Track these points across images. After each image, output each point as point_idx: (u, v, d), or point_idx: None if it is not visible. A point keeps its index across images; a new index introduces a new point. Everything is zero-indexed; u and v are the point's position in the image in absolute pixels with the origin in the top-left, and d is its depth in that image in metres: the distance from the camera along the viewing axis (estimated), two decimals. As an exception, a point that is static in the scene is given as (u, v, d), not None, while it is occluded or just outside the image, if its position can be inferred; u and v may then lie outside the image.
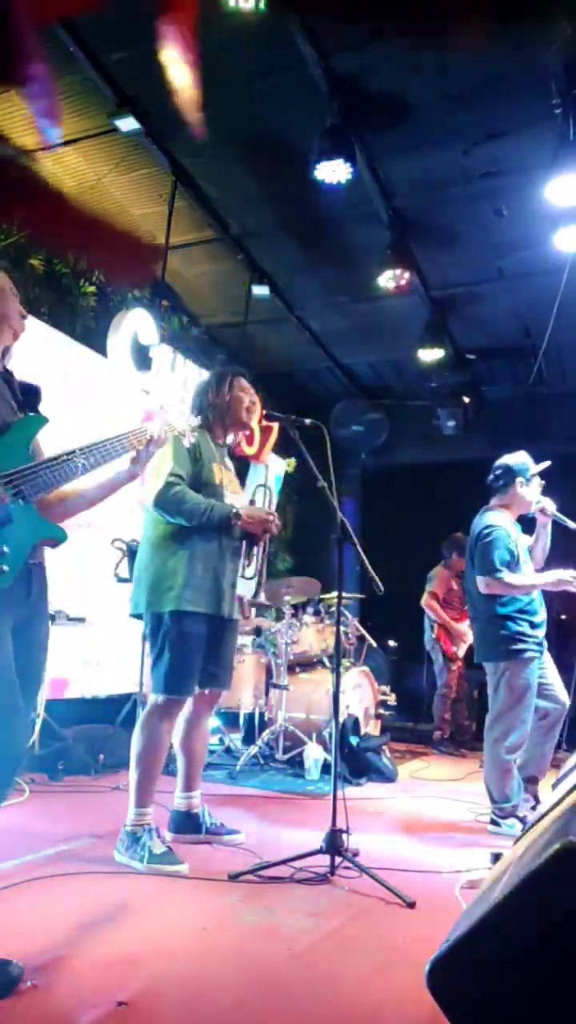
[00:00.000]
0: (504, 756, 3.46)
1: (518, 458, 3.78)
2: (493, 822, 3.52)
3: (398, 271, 5.01)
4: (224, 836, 3.02)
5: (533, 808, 3.50)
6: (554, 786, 2.82)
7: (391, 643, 6.72)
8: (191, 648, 2.75)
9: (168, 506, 2.74)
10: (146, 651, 4.49)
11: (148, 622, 2.82)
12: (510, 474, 3.74)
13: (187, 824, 3.02)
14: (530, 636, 3.60)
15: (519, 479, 3.73)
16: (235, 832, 3.05)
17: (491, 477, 3.80)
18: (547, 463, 3.77)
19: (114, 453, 1.98)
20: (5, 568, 1.72)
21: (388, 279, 5.06)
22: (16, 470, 1.76)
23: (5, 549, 1.73)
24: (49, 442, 1.98)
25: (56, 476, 1.83)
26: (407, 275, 5.04)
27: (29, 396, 1.97)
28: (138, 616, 2.89)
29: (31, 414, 1.91)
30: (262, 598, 3.19)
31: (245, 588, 3.09)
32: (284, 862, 2.61)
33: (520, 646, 3.56)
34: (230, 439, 3.13)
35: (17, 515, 1.75)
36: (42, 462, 1.82)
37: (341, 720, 3.00)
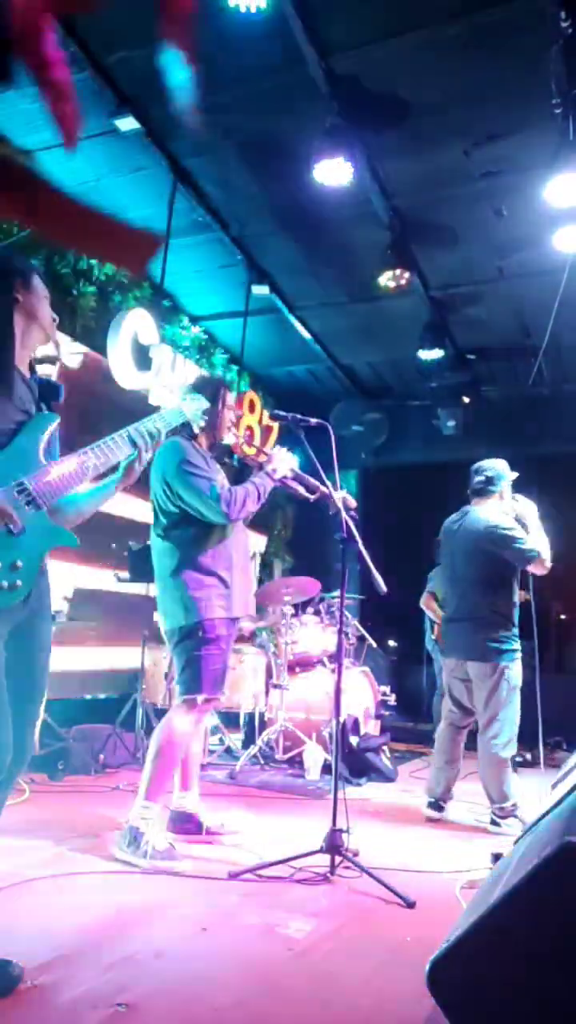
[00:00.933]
0: (502, 755, 3.51)
1: (501, 465, 3.93)
2: (493, 822, 3.55)
3: (398, 271, 5.01)
4: (223, 836, 3.04)
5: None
6: (554, 786, 2.82)
7: (391, 643, 6.72)
8: (224, 650, 2.90)
9: (234, 506, 2.82)
10: (146, 651, 4.52)
11: (181, 633, 2.86)
12: (497, 480, 3.88)
13: (186, 824, 3.04)
14: (516, 637, 3.76)
15: (505, 483, 3.90)
16: (235, 832, 3.08)
17: (478, 480, 3.91)
18: (517, 473, 3.98)
19: (120, 449, 1.94)
20: (19, 583, 1.67)
21: (388, 279, 5.06)
22: (28, 477, 1.71)
23: (19, 563, 1.67)
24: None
25: (67, 479, 1.77)
26: (407, 275, 5.04)
27: (47, 395, 1.90)
28: (174, 630, 2.89)
29: (42, 412, 1.85)
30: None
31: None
32: (284, 862, 2.61)
33: (515, 645, 3.70)
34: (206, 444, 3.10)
35: (30, 524, 1.69)
36: (52, 466, 1.77)
37: (341, 720, 3.00)
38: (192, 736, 2.96)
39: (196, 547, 2.88)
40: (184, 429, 2.90)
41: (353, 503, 2.97)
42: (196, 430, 2.91)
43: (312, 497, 3.02)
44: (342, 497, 2.94)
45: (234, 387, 6.64)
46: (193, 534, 2.89)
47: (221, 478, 2.98)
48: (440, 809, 3.70)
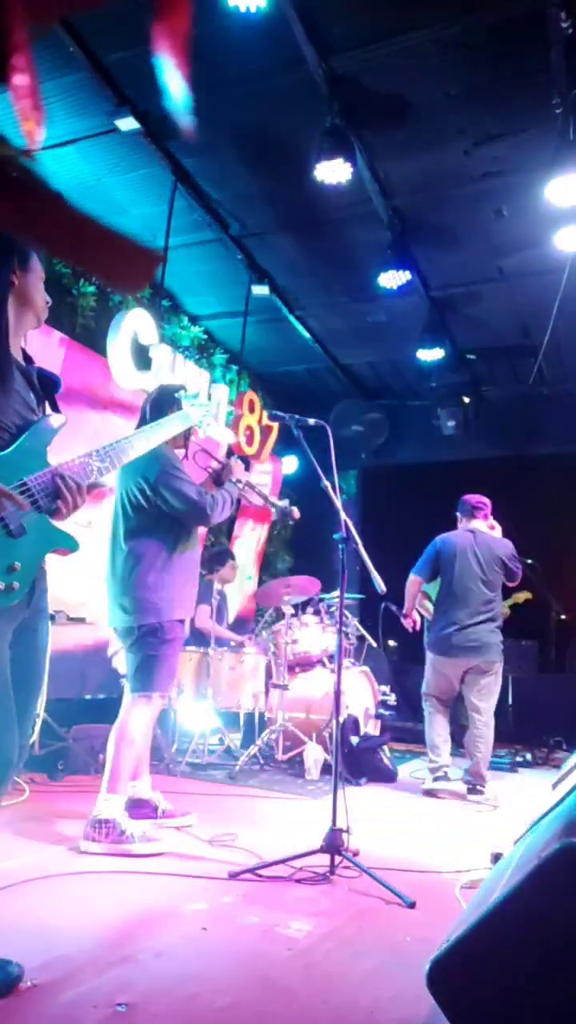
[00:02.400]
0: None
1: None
2: (477, 790, 4.28)
3: (398, 271, 5.01)
4: (177, 818, 3.17)
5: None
6: (554, 786, 2.82)
7: (391, 643, 6.72)
8: (177, 651, 3.07)
9: (215, 511, 2.97)
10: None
11: (139, 632, 2.96)
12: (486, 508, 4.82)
13: (143, 808, 3.14)
14: None
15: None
16: (187, 813, 3.21)
17: (472, 506, 4.79)
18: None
19: (127, 454, 1.94)
20: (16, 585, 1.66)
21: (388, 279, 5.06)
22: (32, 477, 1.69)
23: (17, 565, 1.66)
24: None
25: (71, 481, 1.75)
26: (407, 275, 5.04)
27: (47, 387, 1.87)
28: (132, 628, 2.98)
29: (50, 414, 1.82)
30: None
31: None
32: (284, 861, 2.61)
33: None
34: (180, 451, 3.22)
35: (31, 526, 1.68)
36: (57, 468, 1.74)
37: (341, 720, 3.01)
38: (151, 730, 3.09)
39: (164, 549, 2.99)
40: None
41: (296, 515, 3.24)
42: (201, 434, 2.95)
43: (264, 507, 3.28)
44: (283, 507, 3.21)
45: (233, 387, 6.65)
46: (163, 537, 2.99)
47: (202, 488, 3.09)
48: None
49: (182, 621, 3.05)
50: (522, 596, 5.59)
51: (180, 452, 3.16)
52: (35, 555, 1.72)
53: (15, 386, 1.74)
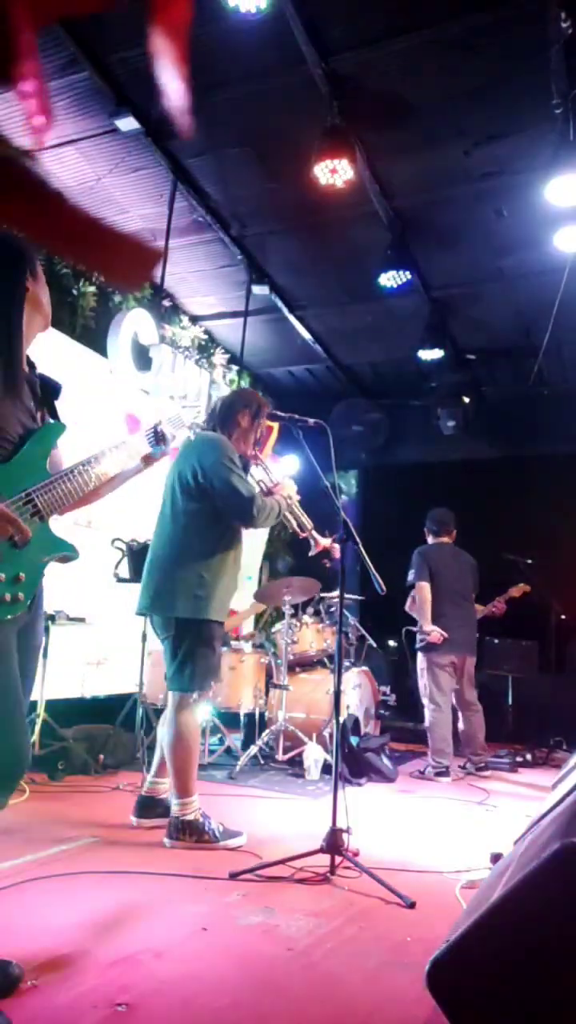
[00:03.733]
0: None
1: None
2: (481, 769, 4.89)
3: (398, 271, 5.01)
4: None
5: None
6: (554, 786, 2.82)
7: (391, 643, 6.72)
8: (216, 652, 3.05)
9: (261, 514, 2.94)
10: (147, 651, 4.52)
11: (179, 626, 2.94)
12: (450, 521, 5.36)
13: (153, 809, 3.14)
14: None
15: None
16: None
17: (434, 525, 5.29)
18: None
19: (121, 459, 1.96)
20: (21, 596, 1.66)
21: (388, 279, 5.06)
22: (34, 488, 1.70)
23: (22, 575, 1.66)
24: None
25: (71, 491, 1.77)
26: (407, 275, 5.04)
27: (47, 393, 1.88)
28: (173, 620, 2.97)
29: (50, 421, 1.83)
30: None
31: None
32: (284, 862, 2.61)
33: None
34: None
35: (34, 536, 1.68)
36: (56, 477, 1.75)
37: (341, 720, 3.02)
38: (197, 727, 3.06)
39: (213, 548, 2.98)
40: (224, 428, 3.09)
41: (337, 554, 3.08)
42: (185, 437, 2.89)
43: (301, 535, 3.19)
44: (328, 544, 3.13)
45: (233, 385, 6.65)
46: (214, 534, 2.99)
47: (256, 488, 3.08)
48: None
49: (220, 623, 3.03)
50: (519, 590, 5.59)
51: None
52: (39, 564, 1.73)
53: (23, 394, 1.75)
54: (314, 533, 3.21)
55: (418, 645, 5.09)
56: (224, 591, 3.01)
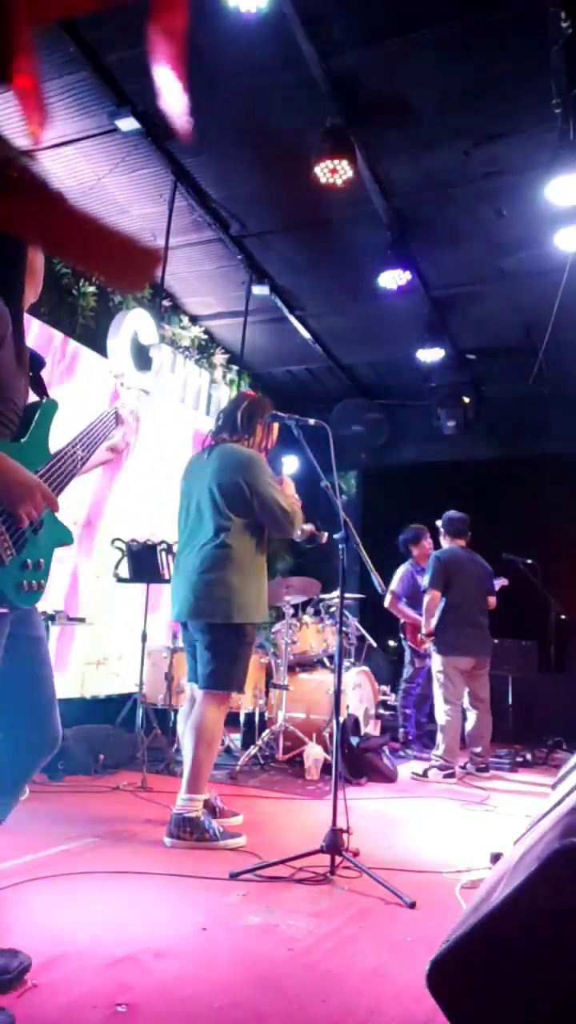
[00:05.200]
0: None
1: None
2: (483, 769, 4.94)
3: (398, 271, 5.01)
4: (228, 819, 3.23)
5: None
6: (554, 786, 2.82)
7: (391, 643, 6.72)
8: (250, 654, 3.20)
9: (296, 525, 3.14)
10: (147, 651, 4.52)
11: (220, 631, 3.05)
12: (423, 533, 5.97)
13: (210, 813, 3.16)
14: None
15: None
16: (236, 814, 3.30)
17: (451, 527, 5.35)
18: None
19: (103, 435, 1.94)
20: (42, 582, 1.66)
21: (388, 279, 5.06)
22: (42, 472, 1.69)
23: (41, 562, 1.65)
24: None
25: (67, 474, 1.77)
26: (407, 275, 5.04)
27: (32, 366, 1.84)
28: (214, 625, 3.06)
29: (45, 400, 1.80)
30: None
31: None
32: (284, 862, 2.62)
33: None
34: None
35: (44, 522, 1.66)
36: (53, 462, 1.74)
37: (341, 720, 3.03)
38: (222, 726, 3.16)
39: (251, 553, 3.12)
40: (243, 437, 3.20)
41: (324, 539, 3.32)
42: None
43: (308, 545, 3.37)
44: (311, 529, 3.30)
45: (233, 385, 6.65)
46: (252, 541, 3.13)
47: None
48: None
49: (255, 625, 3.15)
50: (499, 582, 5.61)
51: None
52: (49, 551, 1.72)
53: (26, 367, 1.73)
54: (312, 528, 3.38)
55: (435, 647, 5.09)
56: (260, 593, 3.15)
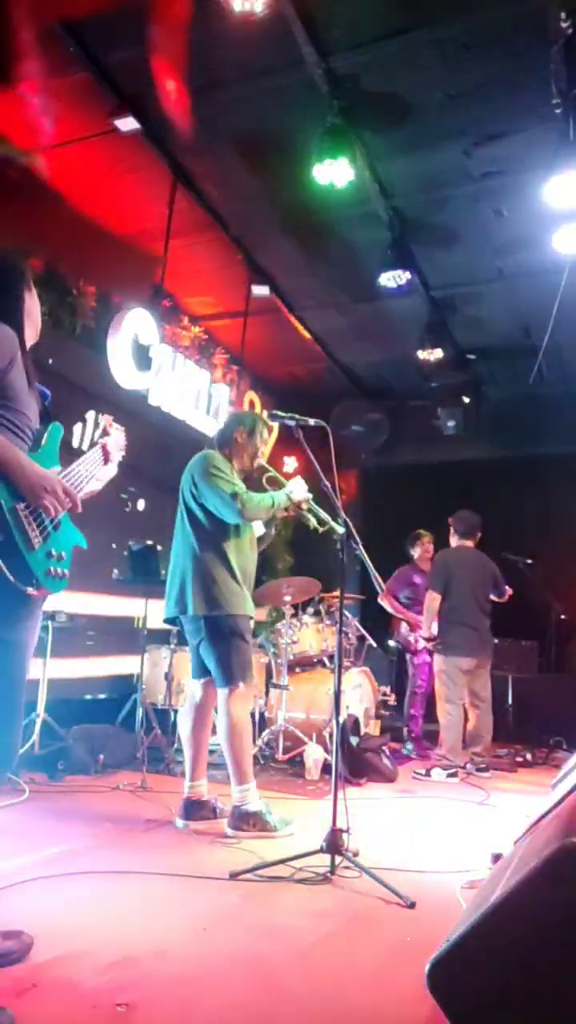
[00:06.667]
0: None
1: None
2: (483, 769, 4.90)
3: (398, 271, 5.01)
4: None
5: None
6: (554, 786, 2.82)
7: (391, 643, 6.72)
8: (248, 644, 3.24)
9: (247, 507, 3.11)
10: (147, 651, 4.52)
11: (208, 625, 3.14)
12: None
13: (199, 811, 3.21)
14: None
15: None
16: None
17: (461, 526, 5.31)
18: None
19: (96, 464, 2.10)
20: (65, 572, 1.82)
21: (388, 279, 5.05)
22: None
23: (63, 554, 1.82)
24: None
25: (78, 485, 1.94)
26: (407, 275, 5.04)
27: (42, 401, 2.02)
28: (198, 617, 3.15)
29: (52, 423, 1.97)
30: None
31: None
32: (284, 862, 2.62)
33: None
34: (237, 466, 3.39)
35: (62, 523, 1.85)
36: (64, 473, 1.90)
37: (341, 720, 3.03)
38: (248, 716, 3.24)
39: (218, 548, 3.17)
40: (223, 447, 3.33)
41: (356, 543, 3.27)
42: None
43: (321, 529, 3.27)
44: (342, 534, 3.16)
45: (233, 387, 6.65)
46: (216, 536, 3.18)
47: (242, 487, 3.22)
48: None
49: (247, 617, 3.21)
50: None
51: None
52: (68, 548, 1.88)
53: (35, 391, 1.90)
54: (334, 525, 3.27)
55: (437, 647, 5.11)
56: (239, 587, 3.18)
